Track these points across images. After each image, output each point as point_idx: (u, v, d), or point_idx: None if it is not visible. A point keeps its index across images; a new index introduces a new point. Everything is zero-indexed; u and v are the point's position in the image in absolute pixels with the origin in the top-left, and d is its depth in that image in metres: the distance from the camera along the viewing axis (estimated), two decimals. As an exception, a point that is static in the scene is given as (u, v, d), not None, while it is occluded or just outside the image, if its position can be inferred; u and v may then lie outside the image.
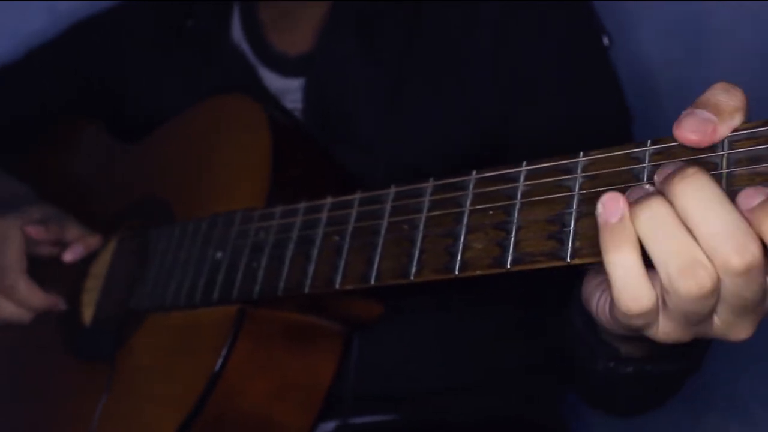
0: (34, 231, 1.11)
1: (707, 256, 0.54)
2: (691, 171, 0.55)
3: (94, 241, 1.16)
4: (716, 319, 0.59)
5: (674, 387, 0.95)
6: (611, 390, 0.95)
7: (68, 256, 1.14)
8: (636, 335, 0.66)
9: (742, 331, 0.59)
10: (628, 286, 0.58)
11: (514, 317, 1.17)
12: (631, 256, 0.57)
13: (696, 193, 0.54)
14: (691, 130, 0.57)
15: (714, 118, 0.57)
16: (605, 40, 1.12)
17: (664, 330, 0.60)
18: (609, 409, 1.08)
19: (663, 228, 0.55)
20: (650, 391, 0.94)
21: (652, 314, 0.59)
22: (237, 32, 1.25)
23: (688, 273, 0.55)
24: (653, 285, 0.58)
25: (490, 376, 1.15)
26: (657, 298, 0.58)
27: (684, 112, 0.57)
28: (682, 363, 0.81)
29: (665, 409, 1.01)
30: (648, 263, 0.57)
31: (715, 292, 0.56)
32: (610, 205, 0.57)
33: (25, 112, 1.42)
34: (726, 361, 1.31)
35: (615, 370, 0.81)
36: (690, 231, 0.55)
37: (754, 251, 0.53)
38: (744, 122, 0.57)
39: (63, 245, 1.15)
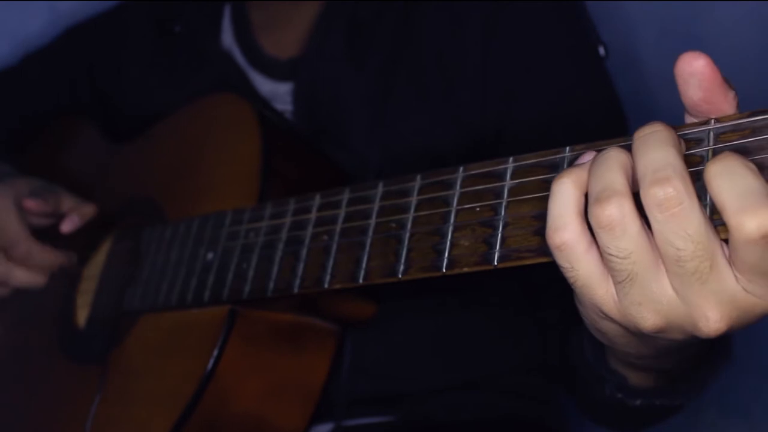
0: (33, 204, 1.11)
1: (631, 197, 0.55)
2: (656, 124, 0.56)
3: (89, 209, 1.16)
4: (669, 291, 0.56)
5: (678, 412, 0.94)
6: (619, 418, 0.95)
7: (66, 227, 1.14)
8: (638, 357, 0.66)
9: (705, 315, 0.56)
10: (552, 216, 0.58)
11: (507, 317, 1.16)
12: (568, 187, 0.58)
13: (647, 135, 0.56)
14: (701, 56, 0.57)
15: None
16: (601, 51, 1.12)
17: (613, 298, 0.59)
18: (612, 428, 1.08)
19: (603, 164, 0.57)
20: (656, 419, 0.93)
21: (575, 255, 0.58)
22: (227, 36, 1.25)
23: (602, 197, 0.55)
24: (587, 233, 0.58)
25: (484, 375, 1.14)
26: (581, 238, 0.58)
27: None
28: (691, 395, 0.80)
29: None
30: None
31: (625, 227, 0.55)
32: (585, 154, 0.61)
33: (21, 116, 1.43)
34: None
35: (623, 401, 0.82)
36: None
37: (678, 186, 0.53)
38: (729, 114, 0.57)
39: (57, 217, 1.15)
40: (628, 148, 0.59)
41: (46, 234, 1.14)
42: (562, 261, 0.59)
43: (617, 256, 0.56)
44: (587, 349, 0.81)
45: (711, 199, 0.53)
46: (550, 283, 1.04)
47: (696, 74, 0.56)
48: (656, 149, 0.54)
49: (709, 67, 0.56)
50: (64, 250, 1.13)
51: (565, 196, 0.58)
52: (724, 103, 0.57)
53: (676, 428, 1.36)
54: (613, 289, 0.58)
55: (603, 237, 0.56)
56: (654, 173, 0.54)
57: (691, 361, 0.76)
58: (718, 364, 0.78)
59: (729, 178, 0.51)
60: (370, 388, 1.10)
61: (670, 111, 0.61)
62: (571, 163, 0.63)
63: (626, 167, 0.56)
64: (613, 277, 0.58)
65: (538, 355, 1.15)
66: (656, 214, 0.54)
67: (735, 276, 0.54)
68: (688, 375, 0.78)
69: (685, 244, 0.53)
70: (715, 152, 0.56)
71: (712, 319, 0.55)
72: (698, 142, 0.57)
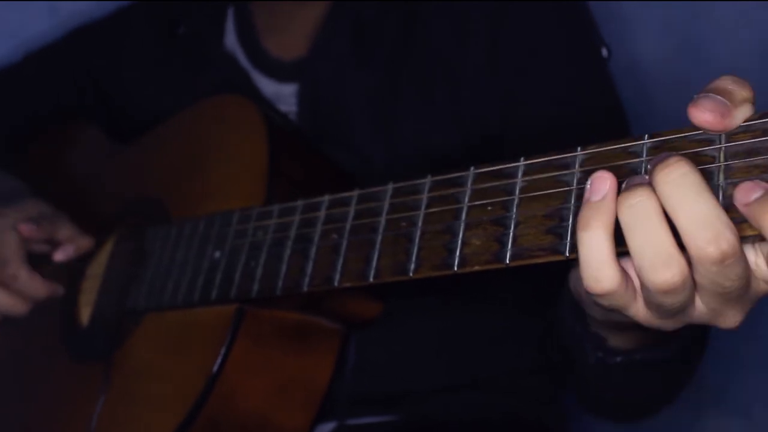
0: (26, 229, 1.11)
1: (685, 243, 0.55)
2: (674, 160, 0.55)
3: (85, 242, 1.16)
4: (700, 305, 0.59)
5: (669, 383, 0.95)
6: (603, 385, 0.95)
7: (59, 256, 1.14)
8: (621, 319, 0.67)
9: (729, 319, 0.59)
10: (590, 267, 0.59)
11: (512, 317, 1.16)
12: (599, 235, 0.58)
13: (677, 180, 0.55)
14: (708, 109, 0.56)
15: (728, 102, 0.57)
16: (604, 52, 1.12)
17: (644, 316, 0.61)
18: (603, 409, 1.08)
19: (643, 218, 0.56)
20: (643, 386, 0.94)
21: (618, 296, 0.59)
22: (231, 37, 1.25)
23: (658, 266, 0.56)
24: (626, 269, 0.59)
25: (486, 376, 1.14)
26: (621, 282, 0.59)
27: (699, 95, 0.58)
28: (670, 351, 0.81)
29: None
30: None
31: (686, 286, 0.56)
32: (597, 184, 0.59)
33: (23, 115, 1.42)
34: (727, 361, 1.31)
35: (604, 360, 0.82)
36: (670, 222, 0.56)
37: (730, 239, 0.54)
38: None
39: (55, 244, 1.15)
40: (637, 150, 0.60)
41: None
42: (603, 301, 0.61)
43: (670, 306, 0.58)
44: (567, 317, 0.83)
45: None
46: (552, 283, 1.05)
47: None
48: (695, 199, 0.55)
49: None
50: (53, 282, 1.13)
51: (597, 246, 0.58)
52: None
53: (677, 428, 1.37)
54: (641, 303, 0.61)
55: (658, 296, 0.57)
56: (704, 230, 0.54)
57: None
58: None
59: None
60: (373, 387, 1.10)
61: (671, 111, 0.62)
62: (582, 164, 0.64)
63: (664, 216, 0.56)
64: (653, 309, 0.60)
65: (540, 356, 1.16)
66: (710, 267, 0.55)
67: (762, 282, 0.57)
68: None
69: (732, 283, 0.56)
70: (726, 152, 0.56)
71: (737, 319, 0.59)
72: (710, 142, 0.58)
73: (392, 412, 1.12)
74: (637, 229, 0.56)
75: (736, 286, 0.56)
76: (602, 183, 0.59)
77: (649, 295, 0.58)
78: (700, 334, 0.83)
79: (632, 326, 0.76)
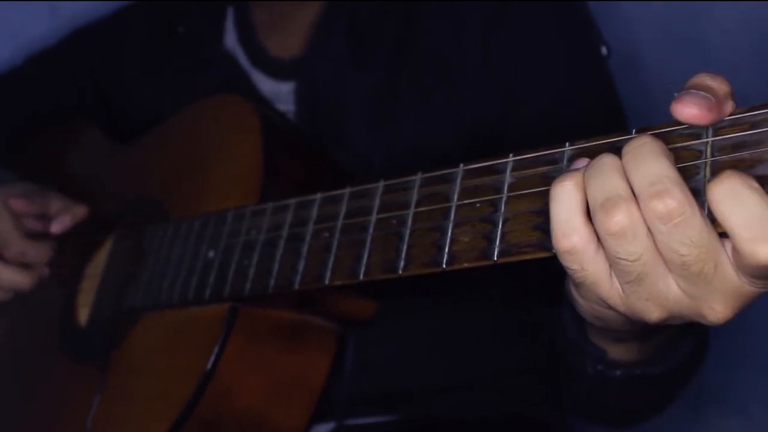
0: (18, 204, 1.12)
1: (639, 203, 0.56)
2: (642, 137, 0.57)
3: (79, 210, 1.17)
4: (674, 287, 0.58)
5: (666, 394, 0.94)
6: (601, 396, 0.95)
7: (55, 227, 1.15)
8: (618, 327, 0.67)
9: (712, 311, 0.57)
10: (559, 221, 0.59)
11: (509, 317, 1.16)
12: (570, 190, 0.58)
13: (635, 149, 0.57)
14: (693, 103, 0.56)
15: (711, 97, 0.57)
16: (604, 51, 1.12)
17: (620, 297, 0.60)
18: (598, 418, 1.08)
19: (601, 170, 0.57)
20: (640, 398, 0.94)
21: (588, 260, 0.59)
22: (230, 36, 1.25)
23: (609, 207, 0.56)
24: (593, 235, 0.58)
25: (485, 375, 1.14)
26: (590, 241, 0.58)
27: (681, 92, 0.58)
28: (670, 366, 0.80)
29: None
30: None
31: (636, 232, 0.56)
32: (576, 163, 0.61)
33: (23, 115, 1.43)
34: (726, 362, 1.31)
35: (603, 374, 0.82)
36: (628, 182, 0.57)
37: (677, 196, 0.54)
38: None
39: (48, 219, 1.16)
40: (625, 145, 0.59)
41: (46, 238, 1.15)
42: (572, 264, 0.59)
43: (627, 260, 0.57)
44: (569, 326, 0.82)
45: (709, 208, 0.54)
46: (550, 283, 1.04)
47: None
48: (649, 161, 0.56)
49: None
50: (61, 250, 1.14)
51: (568, 199, 0.59)
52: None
53: (676, 427, 1.37)
54: (618, 285, 0.60)
55: (612, 243, 0.57)
56: (651, 186, 0.55)
57: (670, 332, 0.78)
58: (691, 330, 0.80)
59: (735, 202, 0.52)
60: (371, 387, 1.10)
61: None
62: (571, 159, 0.64)
63: (623, 173, 0.57)
64: (620, 277, 0.59)
65: (528, 357, 1.15)
66: (659, 226, 0.55)
67: (739, 276, 0.55)
68: (665, 343, 0.80)
69: (689, 250, 0.55)
70: (713, 146, 0.56)
71: (717, 310, 0.57)
72: (697, 136, 0.57)
73: (391, 412, 1.12)
74: (596, 178, 0.57)
75: (695, 255, 0.55)
76: (581, 161, 0.61)
77: (607, 248, 0.57)
78: (698, 346, 0.83)
79: (631, 337, 0.76)
